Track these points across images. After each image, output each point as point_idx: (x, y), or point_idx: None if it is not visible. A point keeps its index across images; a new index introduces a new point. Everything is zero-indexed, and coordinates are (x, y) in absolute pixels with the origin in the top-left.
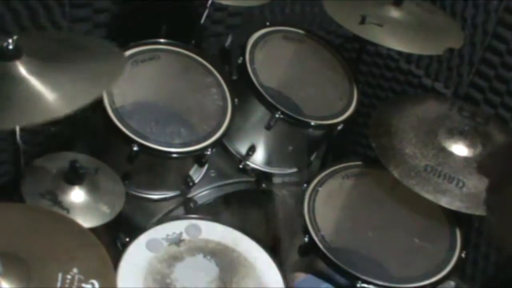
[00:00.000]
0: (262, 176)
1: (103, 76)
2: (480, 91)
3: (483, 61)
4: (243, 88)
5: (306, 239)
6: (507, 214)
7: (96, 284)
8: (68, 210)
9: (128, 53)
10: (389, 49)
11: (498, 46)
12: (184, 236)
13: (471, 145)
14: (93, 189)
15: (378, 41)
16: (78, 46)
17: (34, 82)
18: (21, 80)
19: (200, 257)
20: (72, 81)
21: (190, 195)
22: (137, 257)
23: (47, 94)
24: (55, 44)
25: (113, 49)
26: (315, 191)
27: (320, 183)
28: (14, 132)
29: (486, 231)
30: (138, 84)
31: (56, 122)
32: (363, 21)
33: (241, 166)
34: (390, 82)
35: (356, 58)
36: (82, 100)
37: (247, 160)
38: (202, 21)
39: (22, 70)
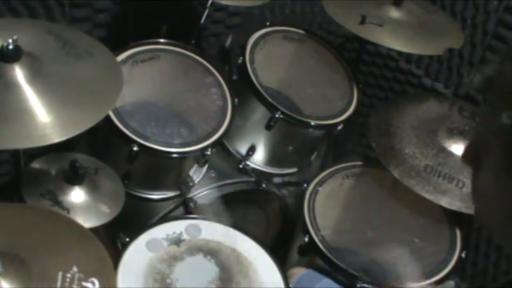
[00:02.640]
0: (262, 176)
1: (99, 104)
2: (480, 91)
3: (483, 61)
4: (243, 88)
5: (306, 239)
6: (483, 200)
7: (96, 283)
8: (68, 210)
9: (128, 53)
10: (389, 49)
11: (498, 46)
12: (184, 236)
13: None
14: (93, 189)
15: (378, 41)
16: (83, 50)
17: (32, 94)
18: (19, 87)
19: (200, 257)
20: (71, 103)
21: (190, 195)
22: (137, 257)
23: (45, 114)
24: (57, 44)
25: (113, 65)
26: (315, 191)
27: (320, 183)
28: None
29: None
30: (138, 84)
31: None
32: (363, 21)
33: (241, 166)
34: (390, 82)
35: (356, 58)
36: (80, 127)
37: (247, 160)
38: (202, 21)
39: (20, 74)
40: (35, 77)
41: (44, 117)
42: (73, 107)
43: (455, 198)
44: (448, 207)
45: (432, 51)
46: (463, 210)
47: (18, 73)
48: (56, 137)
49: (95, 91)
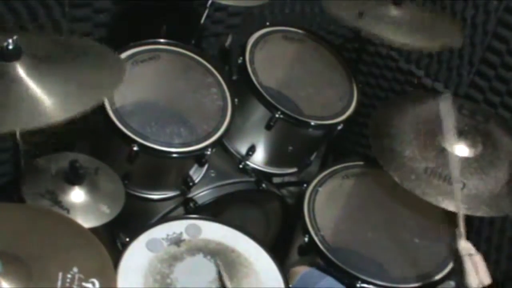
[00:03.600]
0: (262, 176)
1: (102, 83)
2: (480, 91)
3: (483, 61)
4: (243, 88)
5: (306, 239)
6: None
7: (97, 283)
8: (68, 210)
9: (128, 53)
10: (389, 49)
11: (498, 46)
12: (184, 236)
13: (471, 145)
14: (93, 189)
15: (376, 32)
16: (79, 50)
17: (33, 85)
18: (20, 81)
19: (200, 257)
20: (71, 87)
21: (190, 195)
22: (137, 257)
23: (46, 98)
24: (55, 46)
25: (113, 55)
26: (315, 191)
27: (320, 183)
28: (14, 132)
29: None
30: (138, 84)
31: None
32: (360, 16)
33: (241, 166)
34: (390, 82)
35: (356, 58)
36: (80, 106)
37: (247, 160)
38: (202, 21)
39: (21, 71)
40: (36, 71)
41: (47, 101)
42: (76, 87)
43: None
44: (449, 209)
45: (429, 46)
46: (464, 212)
47: (20, 70)
48: (60, 116)
49: (96, 75)
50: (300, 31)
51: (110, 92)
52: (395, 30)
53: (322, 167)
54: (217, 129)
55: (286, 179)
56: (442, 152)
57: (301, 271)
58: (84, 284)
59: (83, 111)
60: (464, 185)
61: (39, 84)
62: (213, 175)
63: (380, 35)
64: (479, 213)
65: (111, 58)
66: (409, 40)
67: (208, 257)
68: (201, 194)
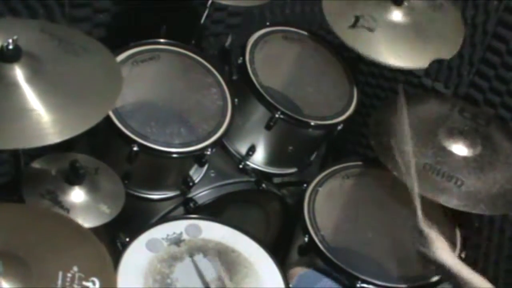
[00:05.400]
0: (262, 176)
1: (100, 102)
2: (480, 91)
3: (483, 61)
4: (243, 88)
5: (306, 239)
6: None
7: (97, 282)
8: (68, 210)
9: (128, 53)
10: None
11: (498, 46)
12: (184, 236)
13: (471, 145)
14: (93, 189)
15: (362, 50)
16: (76, 48)
17: (32, 93)
18: (19, 87)
19: (200, 257)
20: (70, 104)
21: (190, 195)
22: (137, 257)
23: (46, 113)
24: (55, 47)
25: (111, 58)
26: (315, 191)
27: (320, 183)
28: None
29: None
30: (138, 84)
31: None
32: (355, 23)
33: (241, 166)
34: (390, 82)
35: (356, 58)
36: (78, 128)
37: (247, 160)
38: (202, 21)
39: (20, 74)
40: (35, 76)
41: (44, 117)
42: (74, 106)
43: (453, 196)
44: (446, 205)
45: (416, 64)
46: (461, 209)
47: (18, 73)
48: (57, 137)
49: (95, 91)
50: (300, 31)
51: (111, 106)
52: (384, 47)
53: (322, 167)
54: (217, 129)
55: (286, 179)
56: (442, 150)
57: (298, 272)
58: (84, 283)
59: (83, 131)
60: (462, 182)
61: (39, 93)
62: (213, 175)
63: (367, 55)
64: (475, 210)
65: (109, 61)
66: (396, 60)
67: (208, 257)
68: (201, 194)
